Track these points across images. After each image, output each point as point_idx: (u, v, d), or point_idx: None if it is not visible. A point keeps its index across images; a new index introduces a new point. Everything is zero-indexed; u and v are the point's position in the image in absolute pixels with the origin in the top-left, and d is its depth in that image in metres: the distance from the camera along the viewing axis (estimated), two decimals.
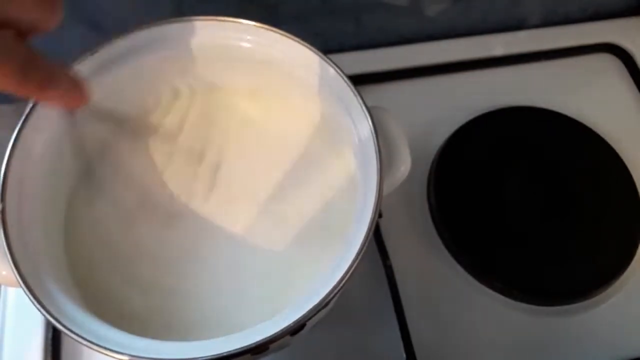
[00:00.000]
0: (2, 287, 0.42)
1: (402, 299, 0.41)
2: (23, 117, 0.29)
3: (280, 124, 0.37)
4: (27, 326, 0.40)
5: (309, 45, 0.33)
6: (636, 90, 0.53)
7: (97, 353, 0.25)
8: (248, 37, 0.34)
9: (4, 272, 0.27)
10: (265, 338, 0.25)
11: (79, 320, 0.26)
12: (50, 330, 0.40)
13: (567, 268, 0.43)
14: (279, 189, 0.35)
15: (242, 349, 0.25)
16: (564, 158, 0.48)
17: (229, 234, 0.34)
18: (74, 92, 0.27)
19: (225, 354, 0.25)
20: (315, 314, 0.26)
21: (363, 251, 0.27)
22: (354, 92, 0.32)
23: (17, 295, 0.41)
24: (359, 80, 0.33)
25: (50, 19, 0.24)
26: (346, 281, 0.27)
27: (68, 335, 0.25)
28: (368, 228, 0.28)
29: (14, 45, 0.22)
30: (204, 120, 0.37)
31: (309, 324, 0.27)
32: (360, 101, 0.31)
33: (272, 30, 0.33)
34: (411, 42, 0.54)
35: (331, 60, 0.33)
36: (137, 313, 0.31)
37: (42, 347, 0.39)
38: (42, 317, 0.40)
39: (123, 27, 0.33)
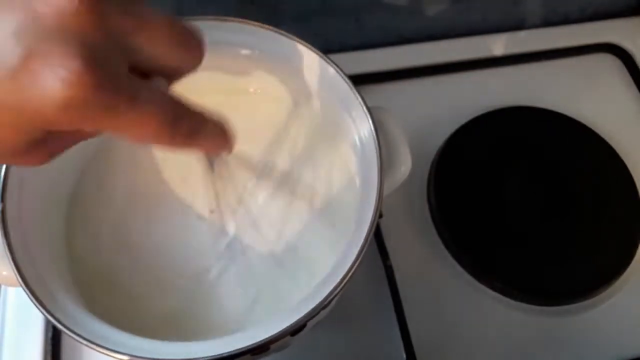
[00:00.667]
0: (2, 287, 0.42)
1: (402, 299, 0.41)
2: None
3: (280, 124, 0.37)
4: (27, 326, 0.40)
5: (309, 45, 0.33)
6: (636, 90, 0.53)
7: (97, 353, 0.25)
8: (248, 37, 0.34)
9: (4, 272, 0.27)
10: (266, 338, 0.25)
11: (79, 319, 0.26)
12: (50, 330, 0.40)
13: (567, 268, 0.43)
14: (279, 189, 0.35)
15: (243, 349, 0.25)
16: (564, 158, 0.48)
17: (228, 234, 0.34)
18: (221, 140, 0.24)
19: (225, 354, 0.25)
20: (315, 314, 0.26)
21: (364, 251, 0.27)
22: (354, 92, 0.32)
23: (17, 295, 0.41)
24: (359, 80, 0.33)
25: (191, 61, 0.22)
26: (347, 281, 0.27)
27: (68, 335, 0.25)
28: (369, 228, 0.28)
29: (161, 96, 0.20)
30: None
31: (310, 324, 0.27)
32: (361, 101, 0.31)
33: (272, 30, 0.33)
34: (411, 42, 0.54)
35: (331, 60, 0.33)
36: (138, 312, 0.31)
37: (42, 347, 0.39)
38: (42, 317, 0.40)
39: None
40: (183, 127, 0.21)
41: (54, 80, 0.17)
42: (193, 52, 0.22)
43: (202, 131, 0.22)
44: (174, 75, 0.22)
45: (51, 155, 0.22)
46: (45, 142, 0.20)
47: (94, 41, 0.18)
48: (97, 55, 0.18)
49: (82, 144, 0.33)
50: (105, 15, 0.18)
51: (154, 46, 0.20)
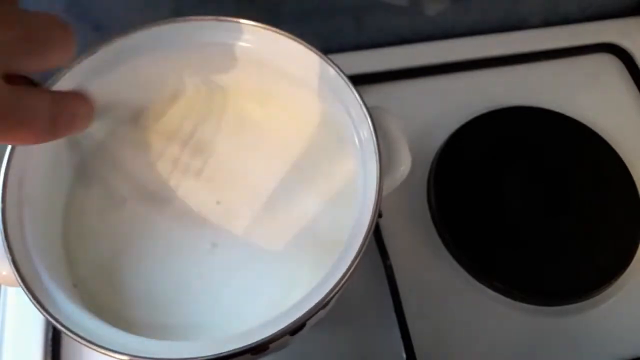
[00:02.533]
0: (2, 287, 0.42)
1: (402, 299, 0.41)
2: None
3: (280, 124, 0.37)
4: (27, 326, 0.40)
5: (309, 45, 0.33)
6: (636, 90, 0.53)
7: (97, 353, 0.25)
8: (248, 37, 0.34)
9: (4, 272, 0.28)
10: (265, 338, 0.25)
11: (79, 320, 0.26)
12: (50, 330, 0.40)
13: (567, 268, 0.43)
14: (278, 189, 0.35)
15: (242, 349, 0.25)
16: (564, 158, 0.48)
17: (229, 235, 0.34)
18: (85, 123, 0.27)
19: (225, 354, 0.25)
20: (315, 314, 0.26)
21: (363, 251, 0.27)
22: (354, 92, 0.32)
23: (17, 295, 0.41)
24: (359, 80, 0.33)
25: (64, 56, 0.23)
26: (346, 281, 0.27)
27: (68, 336, 0.25)
28: (368, 228, 0.28)
29: (40, 101, 0.21)
30: (202, 120, 0.37)
31: (309, 324, 0.27)
32: (360, 101, 0.31)
33: (272, 30, 0.33)
34: (411, 42, 0.54)
35: (331, 60, 0.33)
36: (137, 313, 0.31)
37: (42, 347, 0.39)
38: (42, 317, 0.40)
39: (123, 27, 0.33)
40: (61, 124, 0.23)
41: None
42: (64, 48, 0.23)
43: (74, 122, 0.24)
44: (50, 65, 0.23)
45: None
46: None
47: None
48: None
49: (81, 143, 0.33)
50: None
51: (25, 55, 0.21)
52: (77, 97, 0.27)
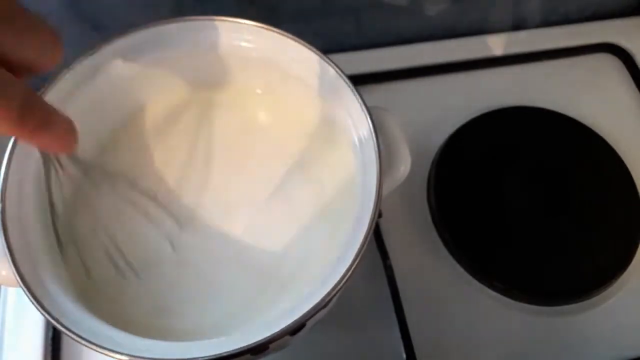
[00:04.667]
0: (2, 287, 0.42)
1: (402, 299, 0.41)
2: None
3: (280, 124, 0.37)
4: (27, 326, 0.40)
5: (309, 45, 0.33)
6: (636, 90, 0.53)
7: (97, 353, 0.25)
8: (248, 37, 0.34)
9: (3, 272, 0.27)
10: (265, 338, 0.25)
11: (79, 320, 0.26)
12: (50, 330, 0.40)
13: (567, 268, 0.43)
14: (278, 189, 0.35)
15: (242, 349, 0.25)
16: (564, 158, 0.48)
17: (228, 234, 0.34)
18: (66, 139, 0.25)
19: (225, 354, 0.25)
20: (315, 314, 0.26)
21: (363, 251, 0.27)
22: (354, 92, 0.32)
23: (17, 295, 0.41)
24: (359, 80, 0.33)
25: (49, 60, 0.23)
26: (346, 281, 0.27)
27: (68, 335, 0.25)
28: (368, 228, 0.28)
29: (12, 85, 0.21)
30: (202, 119, 0.37)
31: (309, 324, 0.27)
32: (360, 101, 0.31)
33: (272, 30, 0.33)
34: (411, 42, 0.55)
35: (331, 60, 0.33)
36: (137, 313, 0.31)
37: (42, 347, 0.39)
38: (42, 317, 0.40)
39: (123, 27, 0.33)
40: (31, 118, 0.22)
41: None
42: (50, 50, 0.23)
43: (51, 126, 0.23)
44: (26, 70, 0.22)
45: None
46: None
47: None
48: None
49: (81, 144, 0.33)
50: None
51: (9, 46, 0.21)
52: (64, 118, 0.25)
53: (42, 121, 0.23)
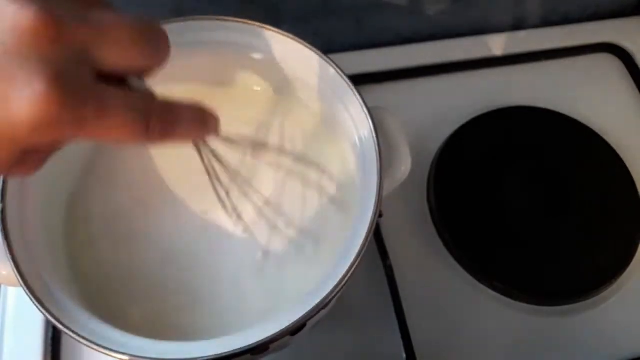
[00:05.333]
0: (2, 287, 0.42)
1: (402, 299, 0.41)
2: None
3: (280, 124, 0.37)
4: (27, 326, 0.40)
5: (309, 45, 0.33)
6: (636, 89, 0.53)
7: (97, 353, 0.25)
8: (248, 37, 0.34)
9: (4, 272, 0.28)
10: (266, 338, 0.25)
11: (80, 320, 0.26)
12: (50, 330, 0.40)
13: (567, 268, 0.43)
14: (279, 189, 0.35)
15: (243, 349, 0.25)
16: (564, 158, 0.48)
17: (229, 234, 0.34)
18: (200, 126, 0.24)
19: (225, 354, 0.25)
20: (315, 314, 0.26)
21: (364, 251, 0.27)
22: (354, 92, 0.32)
23: (17, 295, 0.41)
24: (359, 80, 0.33)
25: (158, 58, 0.22)
26: (347, 281, 0.27)
27: (69, 335, 0.25)
28: (369, 228, 0.28)
29: (130, 95, 0.21)
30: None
31: (310, 324, 0.27)
32: (361, 101, 0.31)
33: (272, 30, 0.34)
34: (411, 42, 0.55)
35: (331, 60, 0.33)
36: (138, 312, 0.31)
37: (42, 347, 0.39)
38: (42, 317, 0.40)
39: None
40: (156, 123, 0.21)
41: (22, 103, 0.18)
42: (157, 49, 0.22)
43: (178, 122, 0.23)
44: (144, 72, 0.22)
45: (37, 165, 0.22)
46: (30, 153, 0.21)
47: (55, 56, 0.18)
48: (60, 70, 0.18)
49: (82, 145, 0.33)
50: (64, 29, 0.19)
51: (117, 50, 0.20)
52: (194, 106, 0.24)
53: (166, 123, 0.22)
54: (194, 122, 0.24)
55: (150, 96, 0.22)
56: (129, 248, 0.33)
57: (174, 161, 0.36)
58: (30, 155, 0.21)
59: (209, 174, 0.29)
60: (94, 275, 0.32)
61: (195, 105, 0.24)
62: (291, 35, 0.33)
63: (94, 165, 0.35)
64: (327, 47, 0.34)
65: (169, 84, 0.36)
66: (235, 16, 0.34)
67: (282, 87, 0.36)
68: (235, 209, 0.32)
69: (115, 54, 0.20)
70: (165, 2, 0.47)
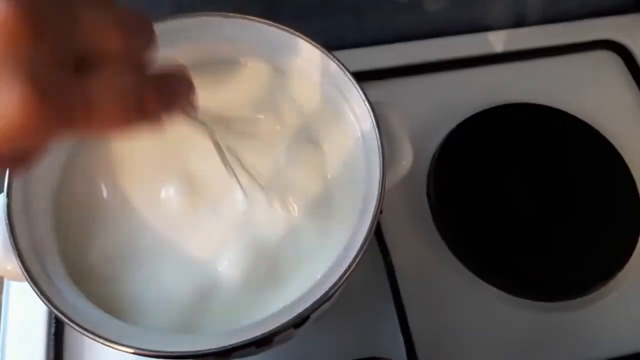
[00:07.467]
0: (5, 282, 0.42)
1: (402, 295, 0.41)
2: None
3: (281, 120, 0.37)
4: (30, 321, 0.40)
5: (311, 41, 0.33)
6: (635, 87, 0.53)
7: (100, 347, 0.25)
8: (250, 33, 0.34)
9: (9, 267, 0.28)
10: (270, 331, 0.25)
11: (85, 313, 0.26)
12: (53, 326, 0.40)
13: (566, 264, 0.43)
14: (281, 183, 0.35)
15: (247, 342, 0.25)
16: (563, 155, 0.48)
17: (229, 227, 0.34)
18: (188, 88, 0.23)
19: (230, 347, 0.25)
20: (318, 307, 0.26)
21: (366, 246, 0.27)
22: (356, 88, 0.32)
23: (20, 290, 0.41)
24: (359, 77, 0.33)
25: (140, 42, 0.21)
26: (349, 274, 0.27)
27: (74, 328, 0.25)
28: (371, 222, 0.28)
29: (115, 82, 0.19)
30: (204, 114, 0.37)
31: (313, 317, 0.28)
32: (363, 96, 0.31)
33: (274, 26, 0.34)
34: (411, 39, 0.55)
35: (334, 56, 0.33)
36: (142, 305, 0.31)
37: (44, 342, 0.39)
38: (45, 313, 0.40)
39: None
40: (150, 97, 0.21)
41: (3, 109, 0.17)
42: (142, 30, 0.22)
43: (173, 91, 0.22)
44: (130, 57, 0.21)
45: (32, 162, 0.21)
46: (25, 152, 0.20)
47: (32, 53, 0.17)
48: (37, 70, 0.17)
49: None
50: (40, 21, 0.18)
51: (100, 38, 0.20)
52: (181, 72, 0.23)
53: (159, 98, 0.21)
54: (184, 88, 0.23)
55: (136, 72, 0.21)
56: (132, 243, 0.33)
57: (174, 156, 0.36)
58: (24, 155, 0.20)
59: (222, 159, 0.28)
60: (98, 269, 0.32)
61: (179, 67, 0.23)
62: (293, 31, 0.33)
63: (101, 165, 0.35)
64: (327, 44, 0.34)
65: None
66: (237, 12, 0.34)
67: (283, 82, 0.36)
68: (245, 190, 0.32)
69: (99, 41, 0.20)
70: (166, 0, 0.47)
